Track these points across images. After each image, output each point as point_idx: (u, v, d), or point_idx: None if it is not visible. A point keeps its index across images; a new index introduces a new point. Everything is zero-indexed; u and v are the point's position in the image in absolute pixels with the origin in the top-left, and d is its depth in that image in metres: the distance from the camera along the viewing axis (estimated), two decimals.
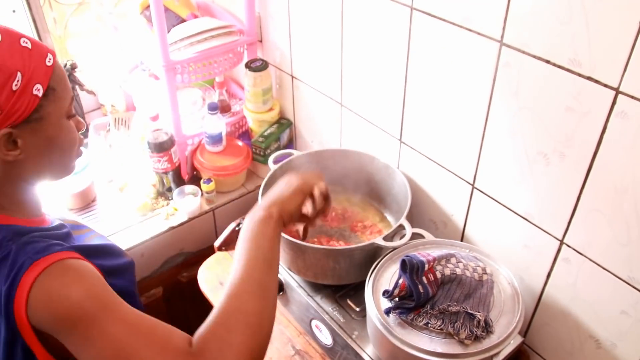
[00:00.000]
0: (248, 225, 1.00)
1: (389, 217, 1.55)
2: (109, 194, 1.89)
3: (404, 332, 1.11)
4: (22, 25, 1.92)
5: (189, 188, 1.83)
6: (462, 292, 1.13)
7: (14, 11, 1.90)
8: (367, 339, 1.26)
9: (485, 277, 1.16)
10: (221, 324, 0.86)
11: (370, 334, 1.22)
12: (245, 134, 2.01)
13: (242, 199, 1.91)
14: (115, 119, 2.09)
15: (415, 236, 1.31)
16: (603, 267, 1.12)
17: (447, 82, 1.27)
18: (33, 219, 1.01)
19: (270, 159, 1.55)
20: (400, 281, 1.14)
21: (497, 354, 1.09)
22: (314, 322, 1.37)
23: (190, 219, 1.81)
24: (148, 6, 1.76)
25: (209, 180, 1.82)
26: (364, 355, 1.25)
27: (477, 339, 1.09)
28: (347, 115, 1.65)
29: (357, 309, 1.34)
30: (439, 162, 1.40)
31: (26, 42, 0.89)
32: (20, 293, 0.86)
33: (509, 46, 1.10)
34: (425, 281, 1.11)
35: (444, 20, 1.21)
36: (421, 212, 1.53)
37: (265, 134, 1.87)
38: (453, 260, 1.17)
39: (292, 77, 1.82)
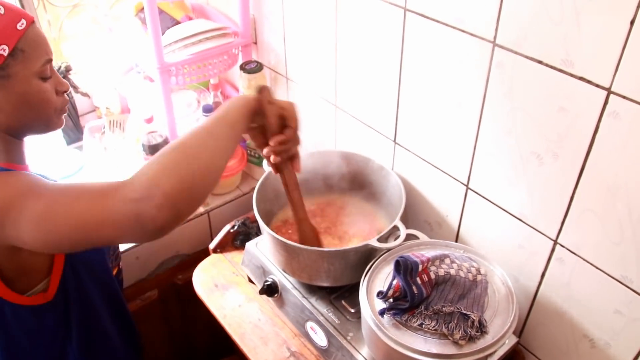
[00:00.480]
0: (226, 102, 1.05)
1: (384, 218, 1.55)
2: None
3: (398, 333, 1.11)
4: None
5: None
6: (456, 292, 1.13)
7: None
8: (362, 340, 1.26)
9: (479, 277, 1.16)
10: (161, 152, 0.89)
11: (365, 335, 1.22)
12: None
13: (237, 201, 1.91)
14: (110, 122, 2.09)
15: (409, 237, 1.31)
16: (596, 267, 1.12)
17: (441, 83, 1.28)
18: (12, 164, 1.06)
19: (265, 161, 1.55)
20: (394, 282, 1.14)
21: (491, 354, 1.09)
22: (309, 324, 1.37)
23: (185, 221, 1.81)
24: (143, 8, 1.76)
25: None
26: (359, 356, 1.25)
27: (471, 339, 1.09)
28: (341, 117, 1.65)
29: (352, 311, 1.34)
30: (433, 163, 1.40)
31: None
32: None
33: (501, 47, 1.11)
34: (419, 282, 1.11)
35: (437, 21, 1.21)
36: (416, 213, 1.53)
37: None
38: (447, 260, 1.17)
39: (287, 78, 1.82)
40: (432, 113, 1.34)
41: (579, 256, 1.15)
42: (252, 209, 1.39)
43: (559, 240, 1.18)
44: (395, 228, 1.31)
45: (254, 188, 1.46)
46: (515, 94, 1.12)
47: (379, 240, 1.28)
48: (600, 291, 1.14)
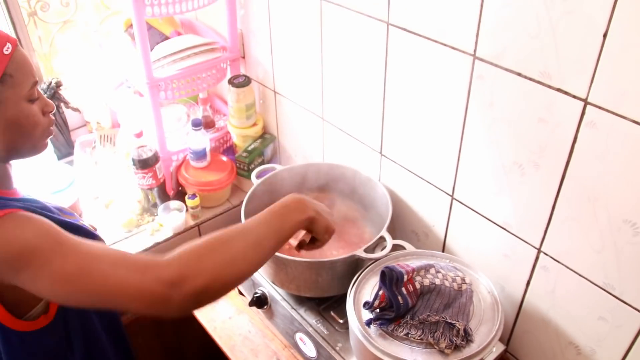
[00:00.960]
0: (289, 198, 1.08)
1: (372, 229, 1.56)
2: (95, 210, 1.90)
3: (385, 343, 1.12)
4: None
5: (174, 204, 1.84)
6: (442, 301, 1.14)
7: None
8: (350, 350, 1.27)
9: (464, 286, 1.17)
10: (200, 242, 0.94)
11: (352, 345, 1.23)
12: (230, 150, 2.03)
13: (227, 214, 1.92)
14: (100, 136, 2.10)
15: (396, 247, 1.32)
16: (580, 274, 1.14)
17: (424, 95, 1.30)
18: (1, 190, 1.06)
19: (253, 174, 1.57)
20: (380, 292, 1.15)
21: None
22: (298, 335, 1.38)
23: (175, 235, 1.82)
24: (132, 24, 1.78)
25: (193, 196, 1.83)
26: None
27: (457, 348, 1.10)
28: (328, 130, 1.67)
29: (341, 321, 1.36)
30: (418, 174, 1.42)
31: None
32: None
33: (481, 60, 1.13)
34: (404, 292, 1.13)
35: (419, 35, 1.23)
36: (403, 224, 1.54)
37: (249, 149, 1.88)
38: (432, 270, 1.18)
39: (275, 92, 1.84)
40: (417, 125, 1.35)
41: (562, 264, 1.17)
42: (242, 220, 1.40)
43: (542, 249, 1.19)
44: (382, 239, 1.32)
45: (242, 201, 1.47)
46: (496, 105, 1.14)
47: (366, 250, 1.29)
48: (584, 298, 1.15)
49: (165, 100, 1.85)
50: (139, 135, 1.76)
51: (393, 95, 1.38)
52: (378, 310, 1.15)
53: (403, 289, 1.13)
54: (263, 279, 1.47)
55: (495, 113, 1.15)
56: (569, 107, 1.01)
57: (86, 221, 1.29)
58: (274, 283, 1.44)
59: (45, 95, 1.94)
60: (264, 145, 1.91)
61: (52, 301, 0.99)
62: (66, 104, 2.06)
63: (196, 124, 1.80)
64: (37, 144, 1.08)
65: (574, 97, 0.99)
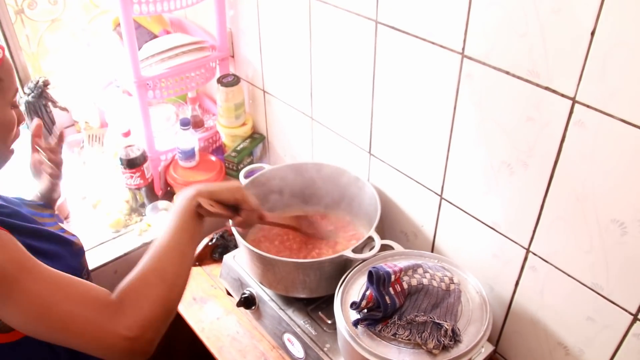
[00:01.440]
0: (178, 198, 1.10)
1: (361, 229, 1.55)
2: (83, 210, 1.88)
3: (372, 344, 1.11)
4: None
5: (163, 204, 1.83)
6: (430, 302, 1.14)
7: None
8: (338, 351, 1.26)
9: (452, 286, 1.17)
10: (140, 279, 0.95)
11: (340, 346, 1.22)
12: (219, 149, 2.01)
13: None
14: (89, 136, 2.08)
15: (384, 247, 1.31)
16: (568, 274, 1.13)
17: (413, 94, 1.29)
18: None
19: (241, 174, 1.55)
20: (368, 293, 1.14)
21: None
22: (286, 336, 1.37)
23: None
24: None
25: None
26: None
27: (445, 348, 1.09)
28: (317, 129, 1.66)
29: (329, 322, 1.35)
30: (407, 174, 1.41)
31: None
32: None
33: (470, 58, 1.12)
34: (392, 292, 1.12)
35: (408, 33, 1.23)
36: (392, 224, 1.54)
37: (238, 148, 1.87)
38: (420, 270, 1.18)
39: (264, 91, 1.83)
40: (406, 124, 1.35)
41: (551, 264, 1.16)
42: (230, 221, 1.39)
43: (531, 249, 1.19)
44: (370, 239, 1.32)
45: None
46: (484, 104, 1.14)
47: (354, 251, 1.29)
48: (572, 298, 1.15)
49: (154, 100, 1.84)
50: (127, 134, 1.75)
51: (382, 94, 1.37)
52: (365, 310, 1.14)
53: (390, 289, 1.12)
54: (251, 280, 1.46)
55: (484, 112, 1.14)
56: (557, 106, 1.00)
57: (73, 224, 1.28)
58: (261, 284, 1.43)
59: (32, 95, 1.93)
60: (253, 145, 1.90)
61: (23, 333, 0.97)
62: (54, 103, 2.04)
63: (185, 124, 1.79)
64: (6, 152, 1.07)
65: (562, 95, 0.99)
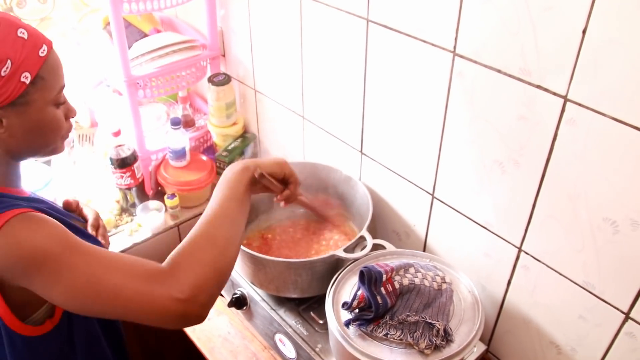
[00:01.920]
0: (227, 172, 1.11)
1: (353, 229, 1.55)
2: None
3: (364, 344, 1.10)
4: None
5: (153, 204, 1.81)
6: (421, 301, 1.13)
7: None
8: (330, 351, 1.25)
9: (444, 286, 1.16)
10: (192, 244, 0.97)
11: (332, 346, 1.21)
12: (210, 149, 2.00)
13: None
14: (79, 135, 2.07)
15: (376, 247, 1.31)
16: (560, 273, 1.13)
17: (405, 93, 1.28)
18: (9, 188, 1.05)
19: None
20: (359, 292, 1.14)
21: None
22: (278, 336, 1.37)
23: (154, 235, 1.80)
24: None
25: (172, 196, 1.80)
26: None
27: (437, 348, 1.09)
28: (309, 128, 1.65)
29: (321, 322, 1.34)
30: (399, 173, 1.41)
31: (23, 33, 0.95)
32: None
33: (461, 56, 1.12)
34: (383, 292, 1.11)
35: (399, 32, 1.22)
36: (384, 223, 1.53)
37: (229, 148, 1.86)
38: (412, 270, 1.17)
39: (255, 90, 1.82)
40: (397, 123, 1.34)
41: (543, 263, 1.16)
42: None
43: (523, 248, 1.19)
44: (362, 238, 1.31)
45: None
46: (476, 103, 1.13)
47: (346, 250, 1.28)
48: (564, 297, 1.15)
49: (144, 99, 1.83)
50: (117, 134, 1.73)
51: (373, 93, 1.37)
52: (357, 310, 1.14)
53: (382, 288, 1.11)
54: (242, 280, 1.45)
55: (476, 110, 1.14)
56: (549, 104, 1.00)
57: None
58: (253, 283, 1.42)
59: None
60: (245, 145, 1.89)
61: (67, 309, 1.00)
62: None
63: (175, 123, 1.77)
64: (55, 148, 1.09)
65: (554, 94, 0.99)
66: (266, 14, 1.61)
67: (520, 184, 1.12)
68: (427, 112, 1.25)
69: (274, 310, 1.39)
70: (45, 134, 1.03)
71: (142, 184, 1.85)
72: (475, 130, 1.16)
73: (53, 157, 1.98)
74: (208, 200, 1.88)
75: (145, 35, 1.91)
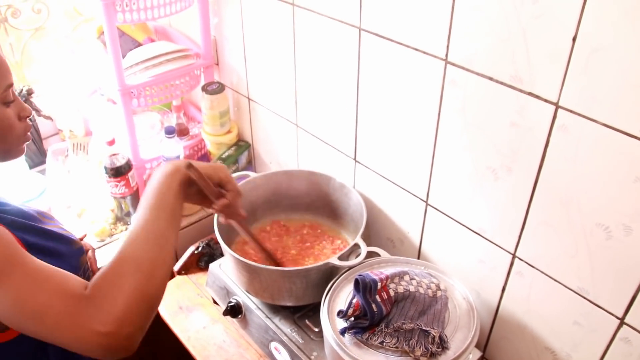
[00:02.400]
0: (155, 175, 1.02)
1: (347, 237, 1.55)
2: (67, 219, 1.86)
3: (360, 352, 1.10)
4: None
5: None
6: (417, 309, 1.13)
7: None
8: (326, 359, 1.25)
9: (439, 293, 1.16)
10: (114, 269, 0.88)
11: (327, 354, 1.21)
12: (204, 157, 2.00)
13: (201, 222, 1.89)
14: (73, 144, 2.07)
15: (370, 255, 1.31)
16: (554, 279, 1.13)
17: (397, 100, 1.29)
18: None
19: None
20: (354, 301, 1.13)
21: None
22: (273, 344, 1.36)
23: None
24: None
25: None
26: None
27: (432, 355, 1.08)
28: (303, 136, 1.66)
29: (316, 330, 1.34)
30: (393, 181, 1.41)
31: None
32: None
33: (453, 64, 1.12)
34: (378, 300, 1.11)
35: (391, 40, 1.23)
36: (378, 231, 1.53)
37: (224, 156, 1.86)
38: (406, 277, 1.17)
39: (249, 99, 1.83)
40: (390, 131, 1.35)
41: (537, 269, 1.16)
42: (215, 229, 1.38)
43: (517, 254, 1.19)
44: (357, 246, 1.31)
45: None
46: (468, 110, 1.14)
47: (340, 258, 1.28)
48: (558, 303, 1.15)
49: (139, 108, 1.83)
50: (111, 143, 1.73)
51: (366, 101, 1.37)
52: (352, 318, 1.14)
53: (377, 296, 1.11)
54: (237, 288, 1.45)
55: (468, 118, 1.14)
56: (541, 110, 1.00)
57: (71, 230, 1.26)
58: (248, 292, 1.42)
59: None
60: (239, 153, 1.89)
61: (9, 326, 0.95)
62: (38, 112, 2.04)
63: (169, 132, 1.77)
64: (11, 149, 1.06)
65: (545, 100, 0.99)
66: (259, 22, 1.62)
67: (513, 190, 1.13)
68: (420, 120, 1.25)
69: (269, 318, 1.38)
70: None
71: (136, 193, 1.84)
72: (467, 138, 1.17)
73: (47, 167, 1.98)
74: (203, 208, 1.90)
75: (139, 44, 1.92)
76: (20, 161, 2.01)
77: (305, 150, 1.68)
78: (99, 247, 1.77)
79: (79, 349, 0.86)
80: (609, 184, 0.96)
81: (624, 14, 0.84)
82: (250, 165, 1.97)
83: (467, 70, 1.10)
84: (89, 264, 1.29)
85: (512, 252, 1.19)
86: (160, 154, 1.84)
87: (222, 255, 1.63)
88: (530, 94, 1.01)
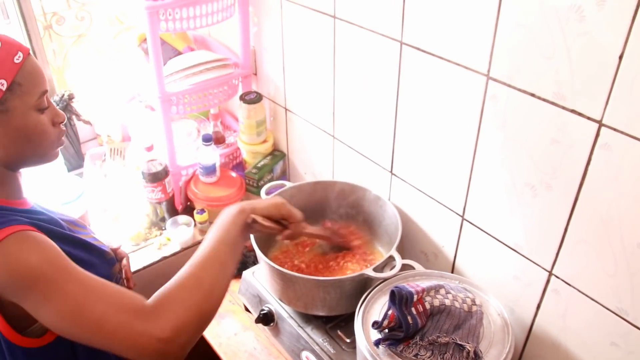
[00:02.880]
0: (223, 213, 1.13)
1: (381, 248, 1.55)
2: (103, 223, 1.90)
3: None
4: None
5: (183, 218, 1.84)
6: (452, 323, 1.13)
7: None
8: None
9: (474, 308, 1.16)
10: (179, 285, 0.97)
11: None
12: (239, 166, 2.03)
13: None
14: (111, 149, 2.10)
15: (405, 267, 1.31)
16: (592, 298, 1.12)
17: (436, 114, 1.29)
18: (9, 200, 1.06)
19: (263, 190, 1.56)
20: (390, 312, 1.14)
21: None
22: (304, 353, 1.37)
23: (183, 249, 1.82)
24: (145, 39, 1.79)
25: (202, 211, 1.82)
26: None
27: None
28: (339, 148, 1.67)
29: (348, 340, 1.34)
30: (429, 194, 1.41)
31: None
32: None
33: (495, 80, 1.12)
34: (414, 312, 1.11)
35: (432, 54, 1.23)
36: (412, 244, 1.53)
37: (259, 165, 1.88)
38: (442, 291, 1.17)
39: (286, 109, 1.85)
40: (428, 144, 1.35)
41: (574, 287, 1.15)
42: (249, 237, 1.40)
43: (554, 272, 1.18)
44: (391, 258, 1.31)
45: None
46: (509, 126, 1.14)
47: (375, 270, 1.28)
48: (596, 323, 1.13)
49: (177, 115, 1.86)
50: (150, 148, 1.76)
51: (405, 114, 1.38)
52: (387, 330, 1.14)
53: (413, 309, 1.11)
54: (270, 296, 1.46)
55: (508, 133, 1.15)
56: (583, 128, 1.00)
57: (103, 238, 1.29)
58: (281, 300, 1.43)
59: (58, 107, 1.96)
60: (274, 162, 1.91)
61: (57, 333, 1.01)
62: (78, 116, 2.08)
63: (207, 139, 1.80)
64: (45, 154, 1.09)
65: (589, 118, 0.99)
66: (299, 33, 1.64)
67: (552, 207, 1.12)
68: (459, 134, 1.26)
69: (301, 327, 1.39)
70: (32, 140, 1.03)
71: (172, 199, 1.87)
72: (507, 153, 1.17)
73: (85, 170, 2.02)
74: None
75: (179, 53, 1.95)
76: (59, 164, 2.06)
77: (341, 162, 1.69)
78: (133, 252, 1.80)
79: (134, 355, 0.92)
80: None
81: None
82: (284, 175, 1.99)
83: (509, 86, 1.10)
84: (123, 272, 1.33)
85: (549, 269, 1.19)
86: (196, 161, 1.87)
87: (254, 263, 1.65)
88: (573, 111, 1.01)
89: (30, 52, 1.02)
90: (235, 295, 1.65)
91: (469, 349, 1.09)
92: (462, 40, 1.16)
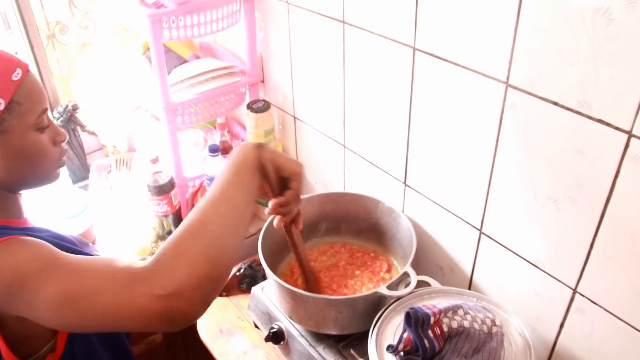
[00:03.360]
0: (237, 154, 0.97)
1: (395, 263, 1.50)
2: (109, 236, 1.86)
3: None
4: None
5: None
6: (471, 346, 1.07)
7: (16, 53, 1.89)
8: None
9: (494, 329, 1.10)
10: (178, 236, 0.85)
11: None
12: None
13: (244, 242, 1.86)
14: (116, 160, 2.07)
15: (420, 284, 1.25)
16: (620, 318, 1.06)
17: (452, 123, 1.24)
18: (9, 219, 1.02)
19: (271, 202, 1.51)
20: (405, 335, 1.08)
21: None
22: None
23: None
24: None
25: None
26: None
27: None
28: (350, 158, 1.61)
29: None
30: (445, 206, 1.35)
31: None
32: None
33: (515, 87, 1.06)
34: (431, 335, 1.05)
35: (447, 60, 1.18)
36: (427, 257, 1.48)
37: None
38: (460, 312, 1.11)
39: (295, 118, 1.80)
40: (444, 155, 1.29)
41: (600, 306, 1.09)
42: (259, 251, 1.35)
43: (578, 289, 1.12)
44: (406, 275, 1.26)
45: (260, 229, 1.42)
46: (529, 136, 1.08)
47: (389, 287, 1.23)
48: (624, 344, 1.07)
49: (183, 125, 1.81)
50: (155, 161, 1.72)
51: (419, 123, 1.32)
52: (402, 353, 1.08)
53: (429, 331, 1.05)
54: (280, 314, 1.41)
55: (529, 144, 1.08)
56: (611, 139, 0.94)
57: (99, 249, 1.24)
58: (291, 318, 1.37)
59: (61, 119, 1.92)
60: None
61: (56, 329, 0.95)
62: (82, 127, 2.04)
63: (214, 150, 1.75)
64: (46, 175, 1.04)
65: (617, 128, 0.92)
66: (307, 39, 1.59)
67: (576, 222, 1.06)
68: (477, 145, 1.20)
69: (312, 346, 1.34)
70: (32, 161, 0.99)
71: (179, 211, 1.82)
72: (528, 165, 1.10)
73: (90, 182, 1.98)
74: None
75: (185, 61, 1.91)
76: (64, 177, 2.02)
77: (352, 172, 1.64)
78: None
79: (142, 324, 0.83)
80: None
81: None
82: None
83: (530, 94, 1.04)
84: None
85: (573, 287, 1.12)
86: (203, 172, 1.82)
87: (264, 278, 1.60)
88: (599, 121, 0.94)
89: (29, 67, 0.97)
90: (245, 311, 1.60)
91: None
92: (479, 45, 1.10)
